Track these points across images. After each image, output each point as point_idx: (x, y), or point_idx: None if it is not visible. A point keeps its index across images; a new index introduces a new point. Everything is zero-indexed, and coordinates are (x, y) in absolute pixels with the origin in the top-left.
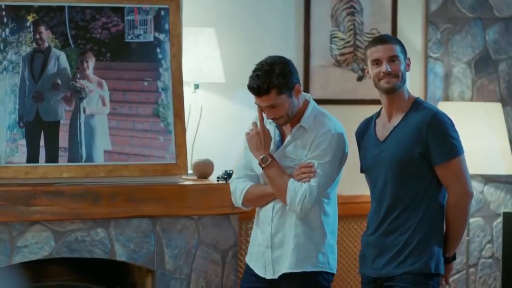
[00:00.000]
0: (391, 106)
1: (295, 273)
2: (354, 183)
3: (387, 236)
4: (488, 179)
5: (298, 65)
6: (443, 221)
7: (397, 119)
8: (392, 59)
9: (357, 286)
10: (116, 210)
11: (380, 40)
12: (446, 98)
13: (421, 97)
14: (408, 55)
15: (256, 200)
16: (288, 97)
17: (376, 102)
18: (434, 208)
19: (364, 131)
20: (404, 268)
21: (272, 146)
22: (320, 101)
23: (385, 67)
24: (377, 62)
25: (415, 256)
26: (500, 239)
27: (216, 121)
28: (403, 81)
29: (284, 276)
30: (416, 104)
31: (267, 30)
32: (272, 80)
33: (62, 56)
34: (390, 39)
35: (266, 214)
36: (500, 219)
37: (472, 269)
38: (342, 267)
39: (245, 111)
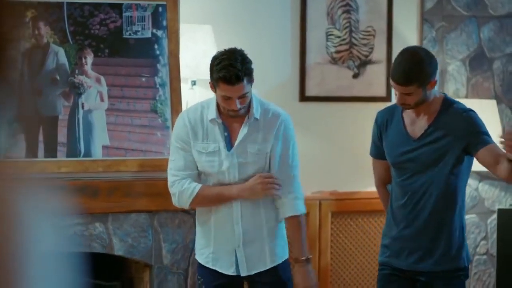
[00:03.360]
0: (418, 108)
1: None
2: (350, 180)
3: (424, 232)
4: (483, 176)
5: (294, 62)
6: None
7: (428, 117)
8: (407, 94)
9: (352, 281)
10: (114, 204)
11: (399, 79)
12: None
13: None
14: (435, 78)
15: (209, 201)
16: (251, 86)
17: (372, 99)
18: (464, 203)
19: (388, 121)
20: (445, 265)
21: (222, 143)
22: (316, 98)
23: (397, 100)
24: (394, 89)
25: (454, 254)
26: (495, 236)
27: None
28: (419, 104)
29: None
30: (447, 104)
31: (263, 27)
32: (247, 67)
33: (61, 52)
34: (406, 81)
35: (229, 215)
36: (494, 216)
37: None
38: (337, 263)
39: None
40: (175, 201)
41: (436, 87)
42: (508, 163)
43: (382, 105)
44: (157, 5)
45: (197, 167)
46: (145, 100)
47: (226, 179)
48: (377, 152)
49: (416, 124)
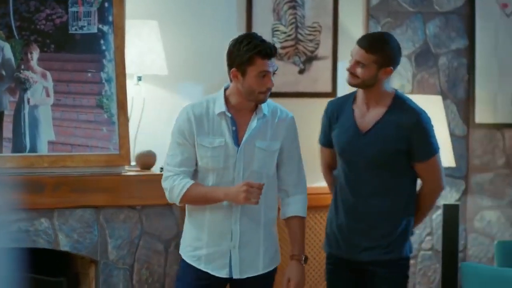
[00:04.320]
0: (368, 97)
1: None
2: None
3: (368, 223)
4: None
5: None
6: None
7: (377, 112)
8: (360, 63)
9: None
10: (59, 200)
11: (362, 41)
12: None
13: None
14: (392, 68)
15: (196, 200)
16: None
17: (318, 95)
18: (412, 198)
19: (339, 112)
20: (389, 255)
21: (229, 138)
22: None
23: (349, 66)
24: (351, 57)
25: (399, 244)
26: (440, 231)
27: (158, 113)
28: (368, 85)
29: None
30: (399, 100)
31: (209, 23)
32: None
33: (7, 47)
34: (370, 46)
35: (228, 214)
36: (440, 212)
37: (412, 261)
38: (283, 259)
39: (187, 102)
40: (166, 196)
41: (388, 83)
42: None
43: (328, 101)
44: (103, 1)
45: (194, 165)
46: (91, 95)
47: (230, 175)
48: (325, 140)
49: (365, 117)
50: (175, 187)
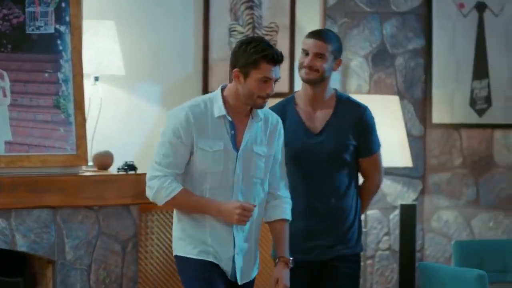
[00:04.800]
0: (315, 96)
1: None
2: None
3: (327, 222)
4: (386, 172)
5: (197, 59)
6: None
7: (325, 112)
8: (319, 55)
9: None
10: (17, 200)
11: (316, 34)
12: (344, 91)
13: None
14: (341, 57)
15: (184, 207)
16: None
17: (275, 95)
18: (357, 194)
19: (283, 117)
20: (349, 250)
21: (228, 142)
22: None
23: (309, 60)
24: (306, 52)
25: (355, 239)
26: (397, 231)
27: (115, 113)
28: (324, 78)
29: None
30: (342, 98)
31: (166, 23)
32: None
33: None
34: (326, 37)
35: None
36: (397, 212)
37: (369, 261)
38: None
39: (144, 103)
40: (150, 194)
41: (333, 83)
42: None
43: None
44: (60, 1)
45: (184, 168)
46: (48, 95)
47: (230, 179)
48: None
49: (313, 119)
50: (163, 189)
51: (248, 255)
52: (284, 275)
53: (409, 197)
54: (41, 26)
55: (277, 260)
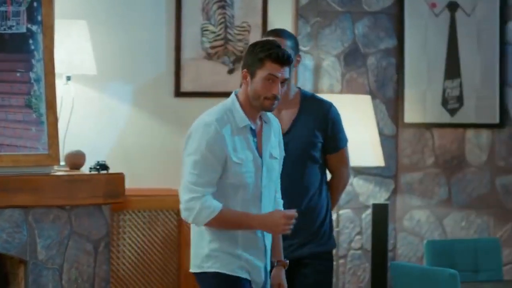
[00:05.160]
0: (282, 98)
1: None
2: None
3: (300, 221)
4: (358, 171)
5: (169, 58)
6: None
7: (291, 111)
8: (285, 80)
9: None
10: None
11: (274, 32)
12: (316, 91)
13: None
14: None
15: (226, 225)
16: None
17: None
18: (327, 190)
19: None
20: (318, 248)
21: (255, 151)
22: (191, 94)
23: (278, 90)
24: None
25: (327, 236)
26: (369, 231)
27: (87, 112)
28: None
29: None
30: (306, 96)
31: (138, 22)
32: (292, 56)
33: None
34: (283, 33)
35: (259, 232)
36: (369, 211)
37: (341, 261)
38: None
39: (116, 102)
40: (189, 216)
41: (305, 83)
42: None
43: None
44: (32, 0)
45: (216, 184)
46: (19, 95)
47: (259, 189)
48: None
49: (280, 119)
50: (204, 209)
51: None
52: (284, 278)
53: (381, 197)
54: (13, 26)
55: (275, 264)
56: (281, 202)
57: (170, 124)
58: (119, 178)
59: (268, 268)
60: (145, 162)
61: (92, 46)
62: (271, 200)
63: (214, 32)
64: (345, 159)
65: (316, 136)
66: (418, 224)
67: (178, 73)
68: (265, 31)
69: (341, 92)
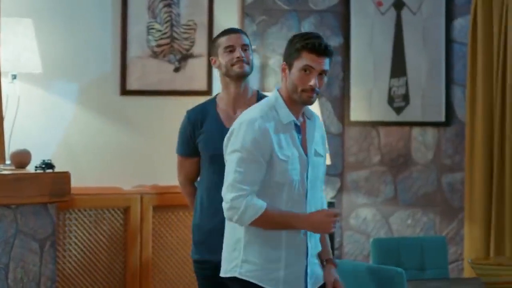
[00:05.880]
0: (238, 96)
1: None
2: (171, 174)
3: None
4: None
5: (115, 56)
6: None
7: None
8: (245, 48)
9: (174, 275)
10: None
11: (232, 30)
12: (262, 89)
13: None
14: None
15: (271, 224)
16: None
17: (193, 93)
18: None
19: (203, 118)
20: None
21: (300, 148)
22: (137, 92)
23: (238, 53)
24: (230, 49)
25: None
26: None
27: (33, 111)
28: (252, 69)
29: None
30: (262, 98)
31: (84, 20)
32: (332, 49)
33: None
34: (241, 30)
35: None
36: None
37: None
38: (159, 257)
39: (62, 101)
40: (234, 215)
41: (251, 82)
42: None
43: (203, 99)
44: None
45: (260, 183)
46: None
47: (304, 188)
48: (188, 150)
49: (234, 119)
50: (249, 208)
51: (315, 261)
52: (337, 276)
53: (327, 195)
54: None
55: (324, 263)
56: (325, 202)
57: (116, 123)
58: (65, 176)
59: (311, 271)
60: (91, 160)
61: (37, 44)
62: (317, 199)
63: (160, 31)
64: None
65: None
66: (364, 222)
67: (124, 72)
68: (211, 30)
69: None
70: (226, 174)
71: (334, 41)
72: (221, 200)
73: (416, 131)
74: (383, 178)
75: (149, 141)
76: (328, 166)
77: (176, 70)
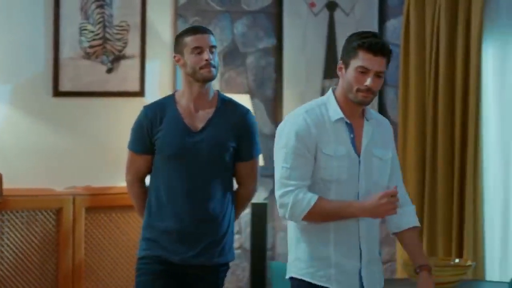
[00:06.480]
0: (200, 95)
1: None
2: (104, 175)
3: (203, 224)
4: None
5: (47, 57)
6: None
7: (207, 111)
8: (212, 49)
9: (107, 276)
10: None
11: (200, 30)
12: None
13: (168, 91)
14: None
15: (325, 215)
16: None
17: (126, 94)
18: (233, 200)
19: (162, 115)
20: (217, 258)
21: (350, 146)
22: (69, 93)
23: (207, 56)
24: (198, 51)
25: (229, 246)
26: (249, 230)
27: None
28: (217, 71)
29: None
30: (224, 99)
31: (16, 21)
32: (390, 49)
33: None
34: (209, 30)
35: (354, 230)
36: (248, 210)
37: None
38: (92, 259)
39: None
40: (284, 212)
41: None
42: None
43: (136, 100)
44: None
45: (310, 177)
46: None
47: (354, 187)
48: (143, 147)
49: (195, 117)
50: (298, 202)
51: (373, 265)
52: (432, 283)
53: (260, 196)
54: None
55: (417, 270)
56: (409, 206)
57: (49, 124)
58: None
59: (366, 276)
60: (24, 162)
61: None
62: None
63: (92, 32)
64: (255, 169)
65: (229, 139)
66: None
67: (57, 73)
68: (144, 30)
69: (220, 91)
70: (275, 172)
71: (266, 42)
72: (180, 201)
73: None
74: None
75: (82, 142)
76: (261, 167)
77: (109, 71)
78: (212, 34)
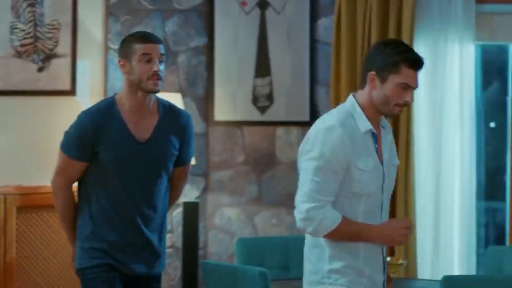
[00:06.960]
0: (144, 104)
1: None
2: (36, 174)
3: (148, 235)
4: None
5: None
6: None
7: (151, 119)
8: (161, 59)
9: (38, 276)
10: None
11: (153, 39)
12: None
13: (100, 89)
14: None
15: (345, 237)
16: None
17: (57, 93)
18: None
19: (106, 124)
20: (160, 267)
21: (377, 158)
22: (0, 93)
23: (156, 67)
24: (147, 58)
25: (164, 255)
26: (180, 229)
27: None
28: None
29: None
30: (164, 105)
31: None
32: None
33: None
34: (159, 40)
35: (379, 246)
36: (180, 209)
37: None
38: (23, 259)
39: None
40: (309, 227)
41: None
42: None
43: (67, 99)
44: None
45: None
46: None
47: (379, 198)
48: (82, 154)
49: (140, 126)
50: (326, 219)
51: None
52: None
53: (192, 195)
54: None
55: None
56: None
57: None
58: None
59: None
60: None
61: None
62: (387, 210)
63: (23, 30)
64: (188, 172)
65: (174, 147)
66: (229, 222)
67: None
68: (75, 29)
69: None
70: (301, 183)
71: (198, 41)
72: (126, 212)
73: (280, 130)
74: (247, 178)
75: (13, 141)
76: (192, 166)
77: (40, 70)
78: (161, 42)
